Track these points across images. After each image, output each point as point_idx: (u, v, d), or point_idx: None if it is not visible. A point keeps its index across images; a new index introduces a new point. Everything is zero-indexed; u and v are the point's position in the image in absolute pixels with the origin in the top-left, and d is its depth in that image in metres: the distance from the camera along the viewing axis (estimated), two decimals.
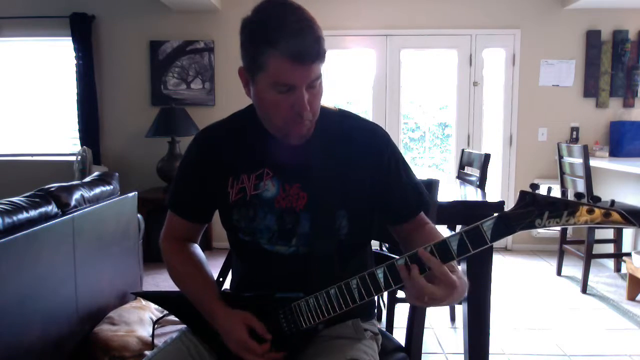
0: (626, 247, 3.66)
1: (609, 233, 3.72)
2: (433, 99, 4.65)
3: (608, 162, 3.71)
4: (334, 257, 1.03)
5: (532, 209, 0.80)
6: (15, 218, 1.73)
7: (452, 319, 2.81)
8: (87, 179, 2.49)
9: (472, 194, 2.27)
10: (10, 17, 4.28)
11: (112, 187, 2.52)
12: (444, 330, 2.70)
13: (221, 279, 1.25)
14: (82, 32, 4.20)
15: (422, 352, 1.38)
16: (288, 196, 1.04)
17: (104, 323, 2.25)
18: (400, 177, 1.09)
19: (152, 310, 2.52)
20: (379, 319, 2.52)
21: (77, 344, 2.11)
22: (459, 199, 2.10)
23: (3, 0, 4.32)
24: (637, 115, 4.19)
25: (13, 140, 4.58)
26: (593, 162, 3.45)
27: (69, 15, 4.19)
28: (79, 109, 4.28)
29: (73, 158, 3.98)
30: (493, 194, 4.11)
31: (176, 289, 1.13)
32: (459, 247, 0.85)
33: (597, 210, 0.76)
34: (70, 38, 4.20)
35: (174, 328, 2.51)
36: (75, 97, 4.27)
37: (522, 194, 0.81)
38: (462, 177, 2.99)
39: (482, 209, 1.92)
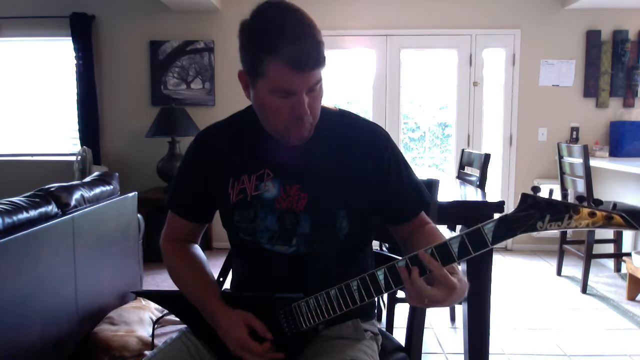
0: (626, 247, 3.66)
1: (609, 233, 3.71)
2: (433, 99, 4.65)
3: (608, 162, 3.71)
4: (334, 258, 1.03)
5: (533, 211, 0.80)
6: (15, 218, 1.73)
7: (452, 319, 2.81)
8: (87, 179, 2.49)
9: (472, 194, 2.27)
10: (10, 17, 4.28)
11: (112, 187, 2.52)
12: (444, 330, 2.70)
13: (221, 279, 1.25)
14: (82, 32, 4.20)
15: (422, 352, 1.38)
16: (289, 197, 1.04)
17: (104, 323, 2.25)
18: (400, 177, 1.09)
19: (152, 310, 2.52)
20: (379, 319, 2.52)
21: (77, 344, 2.11)
22: (459, 199, 2.09)
23: (3, 0, 4.32)
24: (637, 115, 4.18)
25: (13, 140, 4.58)
26: (593, 162, 3.45)
27: (69, 15, 4.19)
28: (79, 109, 4.28)
29: (73, 158, 3.98)
30: (493, 194, 4.11)
31: (176, 288, 1.13)
32: (460, 250, 0.85)
33: (598, 214, 0.76)
34: (70, 38, 4.20)
35: (174, 328, 2.52)
36: (75, 97, 4.27)
37: (524, 196, 0.81)
38: (462, 177, 2.99)
39: (482, 209, 1.92)
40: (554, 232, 4.12)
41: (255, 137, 1.07)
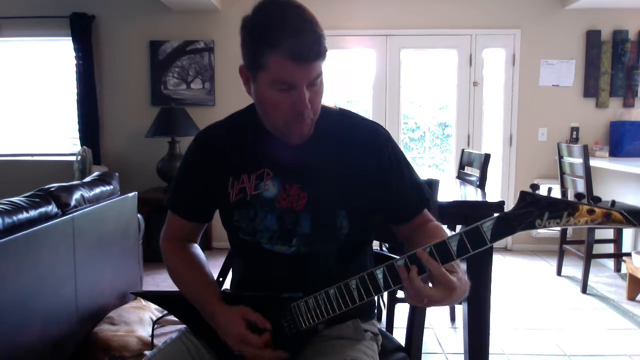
0: (626, 247, 3.66)
1: (609, 233, 3.72)
2: (433, 99, 4.65)
3: (608, 162, 3.71)
4: (334, 258, 1.03)
5: (532, 209, 0.79)
6: (15, 218, 1.73)
7: (452, 319, 2.81)
8: (87, 179, 2.49)
9: (472, 194, 2.27)
10: (10, 17, 4.28)
11: (112, 187, 2.52)
12: (444, 330, 2.70)
13: (221, 279, 1.25)
14: (82, 32, 4.20)
15: (422, 352, 1.38)
16: (288, 196, 1.03)
17: (104, 323, 2.25)
18: (402, 177, 1.09)
19: (152, 310, 2.52)
20: (379, 319, 2.51)
21: (77, 344, 2.11)
22: (459, 199, 2.10)
23: (3, 0, 4.32)
24: (637, 115, 4.18)
25: (13, 140, 4.58)
26: (593, 162, 3.45)
27: (69, 15, 4.19)
28: (79, 109, 4.28)
29: (73, 158, 3.98)
30: (493, 194, 4.11)
31: (176, 289, 1.13)
32: (459, 248, 0.84)
33: (597, 211, 0.75)
34: (70, 38, 4.19)
35: (174, 328, 2.51)
36: (75, 97, 4.27)
37: (522, 194, 0.81)
38: (462, 177, 2.98)
39: (482, 209, 1.92)
40: (554, 232, 4.12)
41: (255, 136, 1.07)
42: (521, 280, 3.59)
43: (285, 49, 0.89)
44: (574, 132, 4.25)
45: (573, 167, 3.44)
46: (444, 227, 1.13)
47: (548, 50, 4.22)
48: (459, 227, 2.57)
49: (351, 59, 4.48)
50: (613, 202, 0.78)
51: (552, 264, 3.85)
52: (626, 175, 3.63)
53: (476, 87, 4.31)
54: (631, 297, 3.08)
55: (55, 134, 4.56)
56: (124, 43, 4.34)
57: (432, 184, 1.31)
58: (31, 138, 4.56)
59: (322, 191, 1.03)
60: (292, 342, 1.00)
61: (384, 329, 1.34)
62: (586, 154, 3.24)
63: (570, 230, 4.09)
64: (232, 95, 4.25)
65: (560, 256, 3.66)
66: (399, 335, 1.37)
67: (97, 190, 2.37)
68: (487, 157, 2.73)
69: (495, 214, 0.83)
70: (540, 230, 4.24)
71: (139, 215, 2.86)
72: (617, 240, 3.61)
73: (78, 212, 2.11)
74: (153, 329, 2.37)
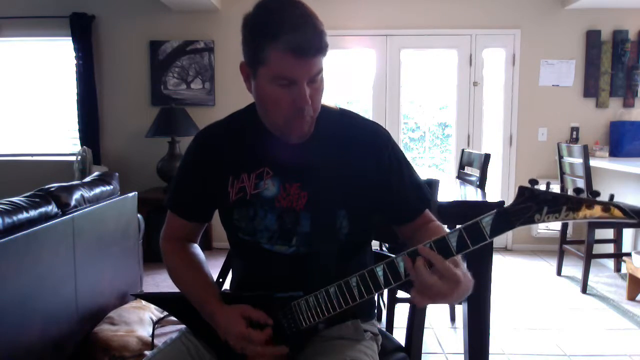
0: (626, 247, 3.66)
1: (609, 233, 3.72)
2: (433, 99, 4.65)
3: (608, 162, 3.71)
4: (334, 257, 1.03)
5: (531, 204, 0.79)
6: (15, 218, 1.73)
7: (452, 319, 2.81)
8: (87, 179, 2.49)
9: (472, 194, 2.27)
10: (10, 17, 4.28)
11: (112, 187, 2.52)
12: (444, 330, 2.70)
13: (221, 279, 1.25)
14: (82, 32, 4.20)
15: (422, 352, 1.38)
16: (288, 195, 1.03)
17: (104, 323, 2.25)
18: (402, 177, 1.09)
19: (152, 311, 2.52)
20: (379, 319, 2.52)
21: (77, 344, 2.11)
22: (459, 199, 2.10)
23: (3, 0, 4.32)
24: (637, 115, 4.18)
25: (13, 140, 4.58)
26: (593, 162, 3.45)
27: (69, 15, 4.19)
28: (79, 109, 4.28)
29: (73, 158, 3.98)
30: (493, 194, 4.11)
31: (176, 289, 1.13)
32: (458, 243, 0.84)
33: (596, 205, 0.75)
34: (70, 38, 4.20)
35: (174, 328, 2.51)
36: (75, 97, 4.27)
37: (521, 189, 0.81)
38: (462, 177, 2.98)
39: (482, 209, 1.91)
40: (554, 232, 4.13)
41: (255, 135, 1.07)
42: (521, 280, 3.59)
43: (285, 44, 0.89)
44: (574, 132, 4.25)
45: (573, 167, 3.44)
46: (444, 227, 1.12)
47: (548, 50, 4.22)
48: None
49: (351, 59, 4.48)
50: (612, 197, 0.77)
51: (552, 264, 3.85)
52: (626, 175, 3.63)
53: (476, 87, 4.31)
54: (631, 297, 3.08)
55: (55, 134, 4.56)
56: (124, 43, 4.34)
57: (432, 184, 1.31)
58: (31, 138, 4.56)
59: (322, 191, 1.03)
60: (293, 341, 1.00)
61: (384, 329, 1.34)
62: (586, 154, 3.24)
63: (570, 230, 4.09)
64: (232, 95, 4.25)
65: (560, 256, 3.66)
66: (399, 335, 1.37)
67: (97, 190, 2.37)
68: (487, 157, 2.73)
69: (495, 209, 0.83)
70: (541, 230, 4.26)
71: (139, 215, 2.86)
72: (617, 240, 3.61)
73: (78, 212, 2.11)
74: (153, 330, 2.37)
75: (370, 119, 1.15)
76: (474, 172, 2.87)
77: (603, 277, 3.55)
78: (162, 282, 3.39)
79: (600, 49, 4.18)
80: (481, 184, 2.68)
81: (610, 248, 3.74)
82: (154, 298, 1.41)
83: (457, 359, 2.36)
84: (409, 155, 4.91)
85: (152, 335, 2.32)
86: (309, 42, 0.90)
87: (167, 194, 1.17)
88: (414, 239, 1.08)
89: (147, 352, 1.97)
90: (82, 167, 3.88)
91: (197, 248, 1.17)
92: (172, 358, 1.05)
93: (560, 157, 3.61)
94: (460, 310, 2.33)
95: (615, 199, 0.78)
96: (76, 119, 4.30)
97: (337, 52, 4.32)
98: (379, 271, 0.89)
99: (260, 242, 1.05)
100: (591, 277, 3.36)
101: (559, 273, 3.66)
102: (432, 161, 4.75)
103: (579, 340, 2.56)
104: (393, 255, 0.91)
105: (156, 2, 4.11)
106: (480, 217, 0.83)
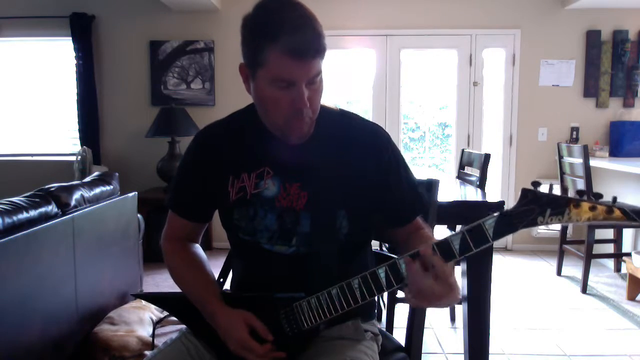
0: (626, 247, 3.66)
1: (609, 233, 3.72)
2: (433, 99, 4.65)
3: (608, 162, 3.71)
4: (334, 257, 1.03)
5: (533, 206, 0.79)
6: (15, 218, 1.73)
7: (452, 319, 2.81)
8: (87, 179, 2.49)
9: (472, 194, 2.27)
10: (10, 17, 4.28)
11: (112, 187, 2.52)
12: (444, 330, 2.70)
13: (221, 279, 1.25)
14: (82, 32, 4.20)
15: (422, 352, 1.38)
16: (288, 195, 1.03)
17: (104, 323, 2.25)
18: (399, 179, 1.09)
19: (152, 311, 2.52)
20: (379, 319, 2.51)
21: (77, 344, 2.11)
22: (459, 199, 2.09)
23: (3, 0, 4.32)
24: (637, 115, 4.18)
25: (13, 140, 4.58)
26: (593, 162, 3.45)
27: (69, 15, 4.19)
28: (79, 109, 4.28)
29: (73, 158, 3.98)
30: (493, 194, 4.11)
31: (176, 289, 1.13)
32: (461, 246, 0.84)
33: (599, 207, 0.75)
34: (70, 38, 4.20)
35: (174, 328, 2.51)
36: (75, 97, 4.27)
37: (524, 191, 0.81)
38: (462, 177, 2.98)
39: (482, 209, 1.92)
40: (554, 232, 4.12)
41: (255, 135, 1.07)
42: (521, 280, 3.59)
43: (284, 45, 0.89)
44: (574, 132, 4.25)
45: (573, 167, 3.44)
46: (444, 227, 1.13)
47: (548, 50, 4.22)
48: (459, 227, 2.57)
49: (351, 59, 4.48)
50: (614, 199, 0.78)
51: (552, 264, 3.85)
52: (626, 175, 3.63)
53: (476, 87, 4.31)
54: (631, 297, 3.08)
55: (55, 134, 4.56)
56: (124, 43, 4.34)
57: (432, 184, 1.31)
58: (31, 138, 4.56)
59: (322, 191, 1.03)
60: (294, 342, 1.00)
61: (384, 329, 1.34)
62: (586, 154, 3.24)
63: (570, 230, 4.09)
64: (232, 95, 4.25)
65: (560, 256, 3.66)
66: (399, 335, 1.37)
67: (97, 190, 2.37)
68: (487, 157, 2.73)
69: (497, 212, 0.83)
70: (541, 230, 4.26)
71: (139, 215, 2.86)
72: (617, 240, 3.61)
73: (78, 212, 2.11)
74: (154, 330, 2.37)
75: (370, 119, 1.15)
76: (474, 172, 2.87)
77: (603, 277, 3.55)
78: (162, 282, 3.39)
79: (600, 49, 4.18)
80: (481, 184, 2.67)
81: (610, 248, 3.74)
82: (154, 298, 1.41)
83: (457, 359, 2.36)
84: (409, 155, 4.91)
85: (153, 336, 2.32)
86: (308, 44, 0.90)
87: (168, 193, 1.17)
88: (408, 243, 1.07)
89: (147, 352, 1.97)
90: (82, 167, 3.88)
91: (198, 248, 1.17)
92: (172, 358, 1.05)
93: (560, 157, 3.61)
94: (460, 310, 2.33)
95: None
96: (76, 119, 4.30)
97: (337, 52, 4.32)
98: (381, 273, 0.90)
99: (260, 242, 1.05)
100: (591, 277, 3.36)
101: (559, 273, 3.66)
102: (432, 161, 4.75)
103: (579, 340, 2.56)
104: (394, 256, 0.91)
105: (156, 2, 4.11)
106: (483, 219, 0.83)
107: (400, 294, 2.24)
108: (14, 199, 1.84)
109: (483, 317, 1.85)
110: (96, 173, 2.65)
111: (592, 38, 4.18)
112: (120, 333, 2.18)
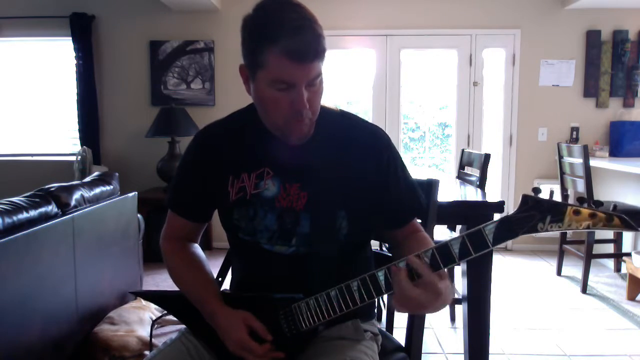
0: (626, 247, 3.66)
1: (609, 233, 3.71)
2: (433, 99, 4.65)
3: (608, 162, 3.71)
4: (333, 258, 1.03)
5: (534, 213, 0.80)
6: (15, 218, 1.73)
7: (452, 319, 2.81)
8: (87, 179, 2.49)
9: (472, 194, 2.27)
10: (10, 17, 4.28)
11: (112, 187, 2.52)
12: (444, 330, 2.70)
13: (220, 279, 1.25)
14: (82, 32, 4.20)
15: (422, 352, 1.38)
16: (288, 195, 1.04)
17: (104, 323, 2.25)
18: (398, 181, 1.10)
19: (152, 310, 2.52)
20: (379, 319, 2.51)
21: (77, 344, 2.11)
22: (459, 199, 2.09)
23: (3, 0, 4.32)
24: (637, 115, 4.18)
25: (13, 140, 4.58)
26: (593, 162, 3.44)
27: (69, 15, 4.19)
28: (79, 109, 4.28)
29: (73, 158, 3.98)
30: (493, 194, 4.11)
31: (176, 289, 1.13)
32: (461, 250, 0.85)
33: (599, 215, 0.76)
34: (70, 38, 4.20)
35: (174, 328, 2.51)
36: (75, 97, 4.27)
37: (525, 198, 0.81)
38: (462, 177, 2.98)
39: (482, 209, 1.92)
40: (554, 232, 4.12)
41: (255, 135, 1.07)
42: (521, 280, 3.59)
43: (283, 48, 0.89)
44: (574, 132, 4.25)
45: (573, 167, 3.44)
46: (444, 227, 1.13)
47: (548, 50, 4.22)
48: (459, 227, 2.58)
49: (351, 59, 4.48)
50: (615, 206, 0.78)
51: (552, 264, 3.85)
52: (626, 175, 3.63)
53: (476, 87, 4.31)
54: (631, 297, 3.08)
55: (55, 134, 4.56)
56: (124, 43, 4.34)
57: (432, 184, 1.31)
58: (31, 138, 4.56)
59: (322, 191, 1.03)
60: (293, 343, 1.00)
61: (384, 329, 1.34)
62: (586, 154, 3.24)
63: (570, 231, 4.09)
64: (232, 95, 4.25)
65: (560, 256, 3.66)
66: (399, 335, 1.37)
67: (97, 190, 2.37)
68: (487, 157, 2.73)
69: (497, 217, 0.84)
70: None
71: (139, 215, 2.85)
72: (617, 241, 3.61)
73: (78, 212, 2.11)
74: (152, 329, 2.37)
75: (370, 119, 1.15)
76: (474, 172, 2.86)
77: (603, 277, 3.55)
78: (162, 282, 3.39)
79: (600, 49, 4.18)
80: (481, 184, 2.67)
81: (610, 248, 3.74)
82: (154, 296, 1.41)
83: (457, 359, 2.36)
84: (408, 155, 4.90)
85: (150, 335, 2.32)
86: (307, 46, 0.90)
87: (168, 193, 1.17)
88: (404, 246, 1.08)
89: (147, 352, 1.97)
90: (82, 167, 3.88)
91: (197, 248, 1.17)
92: (172, 358, 1.05)
93: (560, 157, 3.61)
94: (460, 310, 2.33)
95: (615, 199, 0.78)
96: (76, 119, 4.30)
97: (337, 52, 4.32)
98: (380, 275, 0.90)
99: (260, 242, 1.05)
100: (591, 277, 3.36)
101: (559, 273, 3.66)
102: (432, 161, 4.75)
103: (579, 340, 2.56)
104: (394, 258, 0.92)
105: (156, 2, 4.11)
106: (483, 224, 0.83)
107: None
108: (14, 199, 1.84)
109: (483, 317, 1.85)
110: (96, 173, 2.65)
111: (592, 38, 4.18)
112: (120, 333, 2.18)
